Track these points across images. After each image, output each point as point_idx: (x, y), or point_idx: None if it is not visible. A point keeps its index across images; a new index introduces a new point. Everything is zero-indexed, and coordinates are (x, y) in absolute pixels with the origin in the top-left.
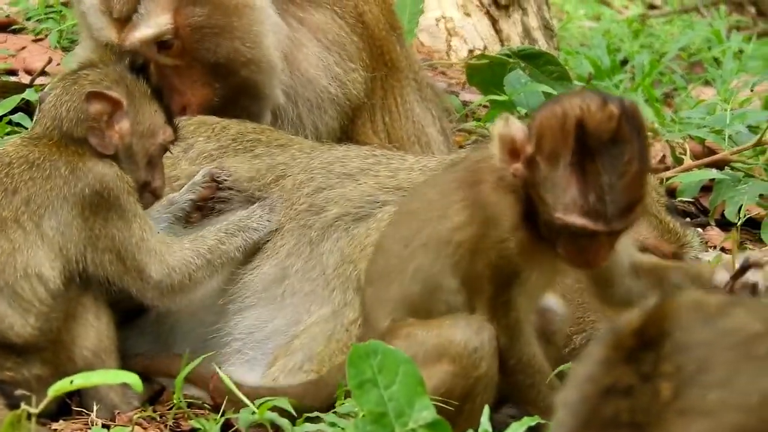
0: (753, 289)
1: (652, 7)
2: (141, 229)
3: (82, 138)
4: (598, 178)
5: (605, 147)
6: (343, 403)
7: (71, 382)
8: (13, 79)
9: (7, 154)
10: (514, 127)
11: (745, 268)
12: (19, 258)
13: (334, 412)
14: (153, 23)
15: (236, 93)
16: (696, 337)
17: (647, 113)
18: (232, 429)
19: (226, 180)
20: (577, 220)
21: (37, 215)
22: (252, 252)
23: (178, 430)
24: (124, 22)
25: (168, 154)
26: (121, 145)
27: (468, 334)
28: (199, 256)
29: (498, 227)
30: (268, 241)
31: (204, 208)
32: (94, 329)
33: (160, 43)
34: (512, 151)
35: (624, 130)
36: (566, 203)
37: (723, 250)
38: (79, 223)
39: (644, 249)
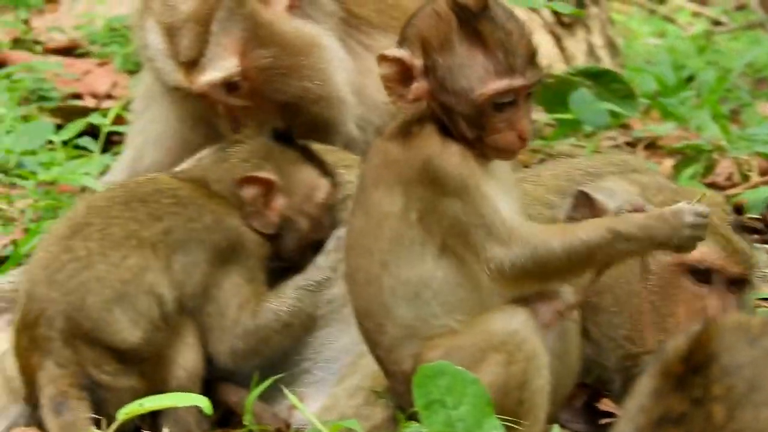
0: None
1: (717, 23)
2: (250, 293)
3: (234, 203)
4: (494, 38)
5: (483, 13)
6: (409, 425)
7: (141, 404)
8: (78, 103)
9: (160, 181)
10: (391, 53)
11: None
12: (148, 275)
13: None
14: (220, 66)
15: (308, 129)
16: (743, 358)
17: (714, 130)
18: None
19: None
20: (498, 83)
21: (171, 248)
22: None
23: None
24: (191, 65)
25: None
26: (282, 220)
27: (505, 320)
28: (277, 321)
29: (431, 167)
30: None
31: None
32: (194, 351)
33: (229, 85)
34: (403, 73)
35: None
36: (480, 75)
37: None
38: (204, 267)
39: (710, 271)
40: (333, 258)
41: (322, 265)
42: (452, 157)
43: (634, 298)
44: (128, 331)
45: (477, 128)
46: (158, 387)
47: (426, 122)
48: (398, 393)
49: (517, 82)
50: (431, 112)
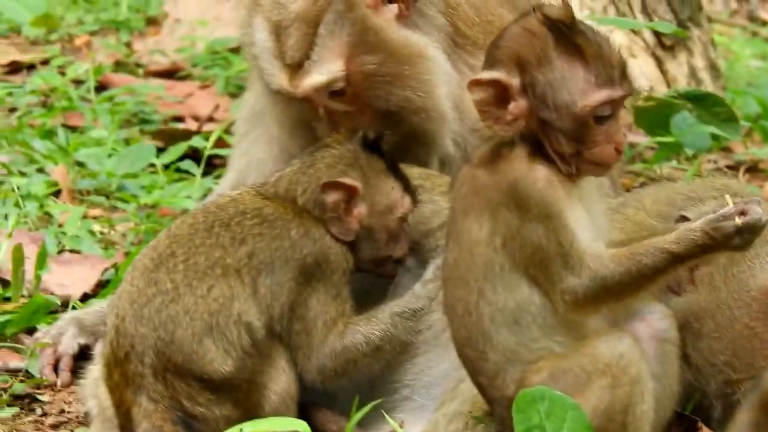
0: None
1: None
2: (336, 310)
3: (320, 217)
4: (591, 51)
5: (574, 27)
6: None
7: (241, 430)
8: (180, 126)
9: (242, 201)
10: (485, 76)
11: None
12: (235, 305)
13: None
14: (325, 70)
15: (406, 139)
16: None
17: None
18: None
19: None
20: (600, 94)
21: (256, 270)
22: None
23: None
24: (296, 67)
25: None
26: (360, 228)
27: (610, 343)
28: (368, 344)
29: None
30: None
31: (399, 261)
32: (285, 375)
33: (332, 89)
34: (499, 95)
35: (573, 12)
36: (582, 87)
37: None
38: (291, 286)
39: None
40: (431, 287)
41: (419, 293)
42: (538, 182)
43: (736, 323)
44: (220, 361)
45: (577, 142)
46: (252, 414)
47: (515, 145)
48: (501, 419)
49: (617, 92)
50: (524, 133)
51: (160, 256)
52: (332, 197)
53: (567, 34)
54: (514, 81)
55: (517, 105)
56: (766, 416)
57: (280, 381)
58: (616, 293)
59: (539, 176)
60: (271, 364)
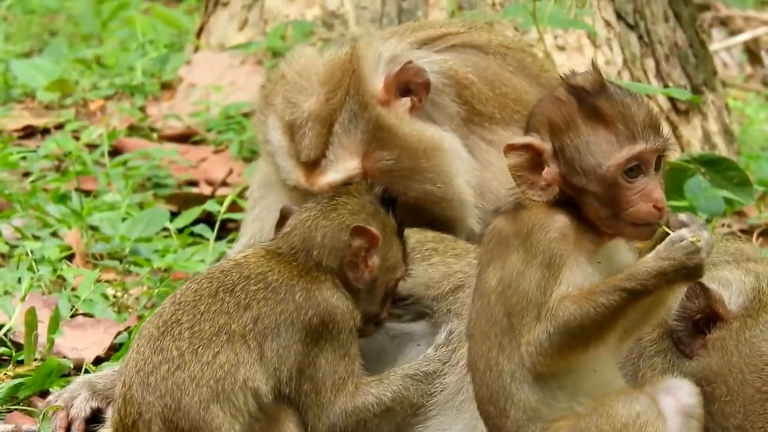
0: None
1: None
2: (345, 369)
3: (330, 267)
4: (613, 113)
5: (597, 91)
6: None
7: None
8: (194, 190)
9: (247, 265)
10: (519, 141)
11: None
12: (241, 371)
13: None
14: (341, 168)
15: (429, 226)
16: None
17: None
18: None
19: (402, 294)
20: (621, 153)
21: (261, 335)
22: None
23: None
24: (312, 165)
25: None
26: (369, 279)
27: (628, 403)
28: (378, 405)
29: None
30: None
31: (379, 322)
32: None
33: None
34: (532, 159)
35: (602, 76)
36: (605, 149)
37: None
38: (298, 348)
39: None
40: (443, 351)
41: (431, 357)
42: (552, 232)
43: (747, 387)
44: (227, 427)
45: (611, 205)
46: None
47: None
48: None
49: (639, 146)
50: (560, 200)
51: (166, 323)
52: (359, 242)
53: (589, 99)
54: (547, 146)
55: (550, 170)
56: None
57: None
58: (578, 336)
59: (555, 227)
60: (279, 428)
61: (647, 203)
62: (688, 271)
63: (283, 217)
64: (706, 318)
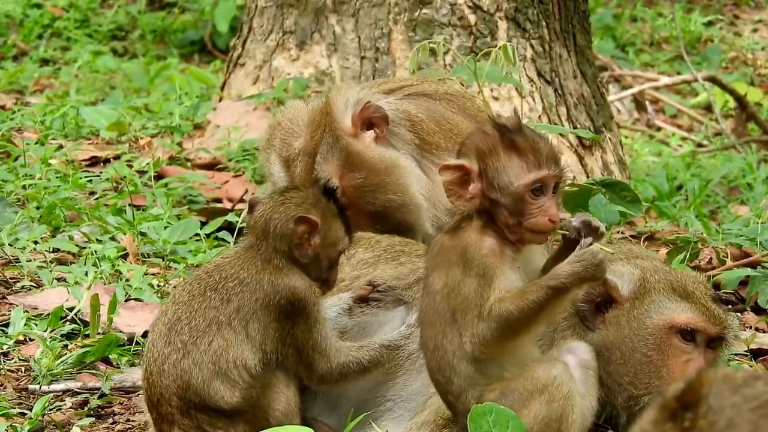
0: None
1: (700, 145)
2: (319, 333)
3: (283, 250)
4: (525, 146)
5: (517, 129)
6: None
7: None
8: (219, 205)
9: (224, 267)
10: (453, 162)
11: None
12: (231, 352)
13: None
14: None
15: (394, 230)
16: (726, 402)
17: (698, 226)
18: None
19: (379, 284)
20: (529, 176)
21: (244, 320)
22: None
23: None
24: None
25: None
26: (312, 254)
27: (547, 368)
28: (359, 365)
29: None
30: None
31: (362, 304)
32: (284, 396)
33: None
34: (462, 177)
35: (520, 119)
36: (517, 172)
37: (757, 329)
38: (274, 325)
39: (694, 332)
40: (406, 330)
41: (403, 333)
42: (483, 249)
43: (636, 353)
44: (228, 395)
45: (517, 216)
46: (262, 427)
47: (472, 219)
48: (462, 426)
49: (543, 172)
50: (479, 209)
51: (170, 321)
52: (301, 228)
53: (509, 134)
54: (474, 167)
55: (475, 186)
56: (664, 415)
57: (281, 401)
58: (515, 328)
59: (485, 245)
60: (270, 389)
61: (544, 217)
62: (596, 270)
63: (251, 207)
64: (604, 300)
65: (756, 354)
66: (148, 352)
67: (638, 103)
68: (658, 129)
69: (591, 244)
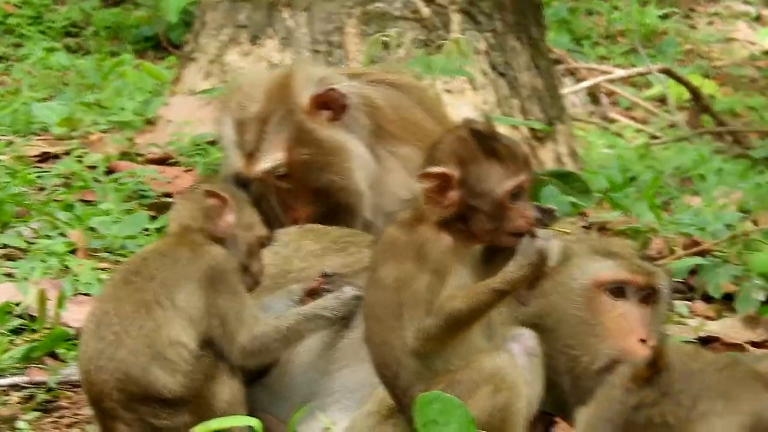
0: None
1: (654, 137)
2: (240, 303)
3: (200, 228)
4: (504, 151)
5: (491, 135)
6: None
7: (207, 426)
8: (169, 200)
9: (144, 252)
10: (435, 170)
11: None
12: (164, 332)
13: None
14: (271, 159)
15: (333, 210)
16: (692, 366)
17: (650, 216)
18: None
19: (330, 274)
20: (510, 182)
21: (170, 292)
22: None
23: None
24: (250, 156)
25: (280, 251)
26: (228, 233)
27: (492, 359)
28: (278, 332)
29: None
30: (354, 313)
31: (315, 296)
32: (228, 386)
33: (277, 173)
34: (441, 185)
35: (494, 125)
36: (499, 179)
37: (707, 317)
38: (200, 294)
39: (623, 286)
40: (331, 303)
41: (323, 304)
42: (440, 246)
43: (567, 316)
44: (170, 381)
45: (497, 221)
46: (207, 418)
47: (428, 215)
48: (409, 419)
49: (521, 177)
50: (455, 215)
51: (98, 318)
52: (211, 200)
53: (487, 141)
54: (455, 174)
55: (454, 193)
56: (638, 382)
57: (225, 391)
58: (461, 324)
59: (443, 243)
60: (214, 379)
61: (523, 219)
62: (538, 266)
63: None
64: None
65: (705, 341)
66: (81, 354)
67: (593, 96)
68: (613, 121)
69: (534, 237)
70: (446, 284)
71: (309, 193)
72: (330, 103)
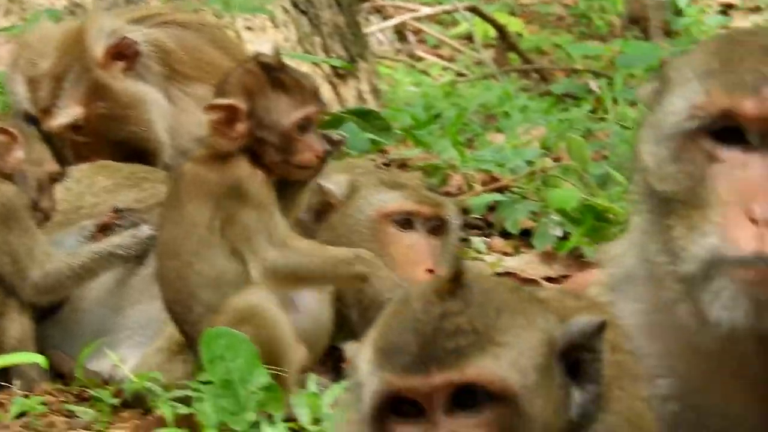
0: None
1: (460, 75)
2: (31, 239)
3: None
4: (291, 84)
5: (279, 67)
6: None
7: None
8: None
9: None
10: (221, 102)
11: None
12: None
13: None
14: (68, 113)
15: (132, 158)
16: (485, 284)
17: (453, 153)
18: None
19: (121, 209)
20: (297, 113)
21: None
22: (138, 262)
23: (82, 397)
24: (46, 111)
25: (72, 187)
26: (17, 169)
27: (247, 298)
28: (71, 269)
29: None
30: (148, 251)
31: (106, 231)
32: (18, 323)
33: (74, 127)
34: (229, 116)
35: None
36: (285, 110)
37: (504, 254)
38: None
39: (409, 217)
40: (126, 241)
41: (118, 242)
42: (257, 181)
43: (354, 240)
44: None
45: (285, 153)
46: None
47: (238, 153)
48: (197, 354)
49: (309, 109)
50: (243, 147)
51: None
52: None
53: (275, 73)
54: (243, 106)
55: (242, 125)
56: (438, 294)
57: (15, 328)
58: (302, 274)
59: (258, 178)
60: (3, 316)
61: (311, 152)
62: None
63: None
64: (323, 208)
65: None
66: None
67: (400, 34)
68: (420, 59)
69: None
70: (275, 216)
71: (109, 146)
72: (123, 53)
